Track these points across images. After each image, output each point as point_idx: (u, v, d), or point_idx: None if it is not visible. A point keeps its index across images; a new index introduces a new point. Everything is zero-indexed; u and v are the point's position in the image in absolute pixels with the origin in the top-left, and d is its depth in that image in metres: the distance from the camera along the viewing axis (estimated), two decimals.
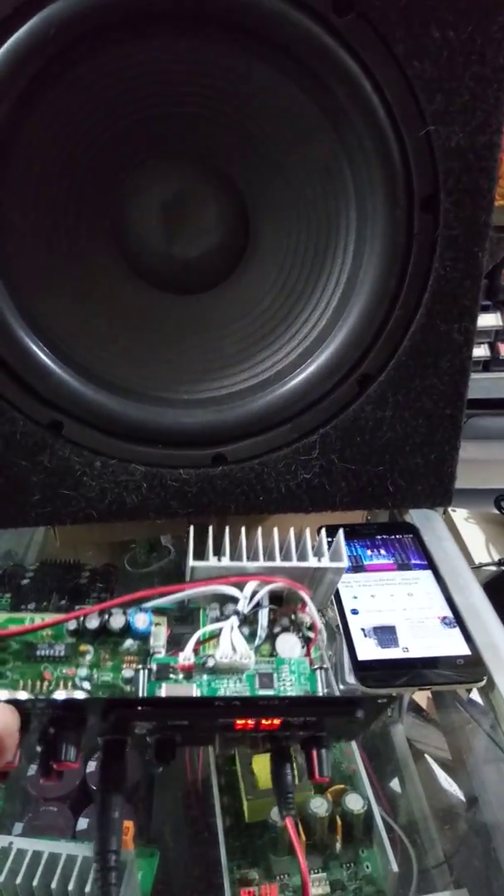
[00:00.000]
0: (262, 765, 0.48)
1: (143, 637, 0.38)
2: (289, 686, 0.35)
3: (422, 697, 0.62)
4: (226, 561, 0.39)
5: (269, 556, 0.41)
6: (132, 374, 0.49)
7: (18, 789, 0.46)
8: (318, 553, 0.41)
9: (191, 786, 0.49)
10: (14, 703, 0.29)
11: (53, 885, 0.37)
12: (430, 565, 0.53)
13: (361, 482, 0.50)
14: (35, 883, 0.37)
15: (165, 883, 0.42)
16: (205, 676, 0.35)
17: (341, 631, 0.47)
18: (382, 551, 0.54)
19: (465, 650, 0.46)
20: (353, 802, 0.46)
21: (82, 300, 0.48)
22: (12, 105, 0.41)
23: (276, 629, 0.39)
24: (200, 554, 0.40)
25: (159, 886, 0.42)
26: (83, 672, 0.36)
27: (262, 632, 0.37)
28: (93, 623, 0.38)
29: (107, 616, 0.38)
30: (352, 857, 0.46)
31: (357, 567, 0.52)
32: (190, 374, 0.50)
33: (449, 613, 0.48)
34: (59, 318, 0.47)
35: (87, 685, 0.35)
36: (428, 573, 0.52)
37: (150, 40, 0.40)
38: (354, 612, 0.48)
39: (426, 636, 0.46)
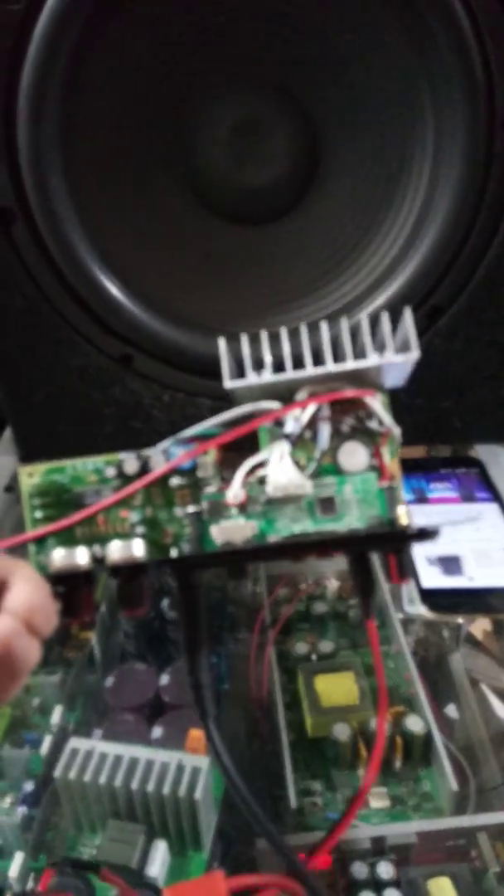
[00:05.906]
0: (323, 684, 0.50)
1: (189, 473, 0.33)
2: (354, 509, 0.31)
3: (478, 630, 0.63)
4: (267, 375, 0.31)
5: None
6: (198, 308, 0.49)
7: (97, 698, 0.49)
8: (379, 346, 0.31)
9: (256, 703, 0.51)
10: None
11: (134, 786, 0.40)
12: (497, 499, 0.52)
13: (428, 417, 0.50)
14: (117, 784, 0.40)
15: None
16: (260, 509, 0.31)
17: None
18: (447, 484, 0.54)
19: None
20: (414, 724, 0.47)
21: (151, 234, 0.48)
22: (79, 32, 0.40)
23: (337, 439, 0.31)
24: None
25: (229, 794, 0.44)
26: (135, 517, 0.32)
27: (322, 445, 0.31)
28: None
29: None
30: (411, 775, 0.47)
31: (420, 499, 0.52)
32: (254, 307, 0.50)
33: None
34: (130, 252, 0.48)
35: (140, 529, 0.32)
36: (494, 506, 0.52)
37: None
38: None
39: (492, 566, 0.46)
